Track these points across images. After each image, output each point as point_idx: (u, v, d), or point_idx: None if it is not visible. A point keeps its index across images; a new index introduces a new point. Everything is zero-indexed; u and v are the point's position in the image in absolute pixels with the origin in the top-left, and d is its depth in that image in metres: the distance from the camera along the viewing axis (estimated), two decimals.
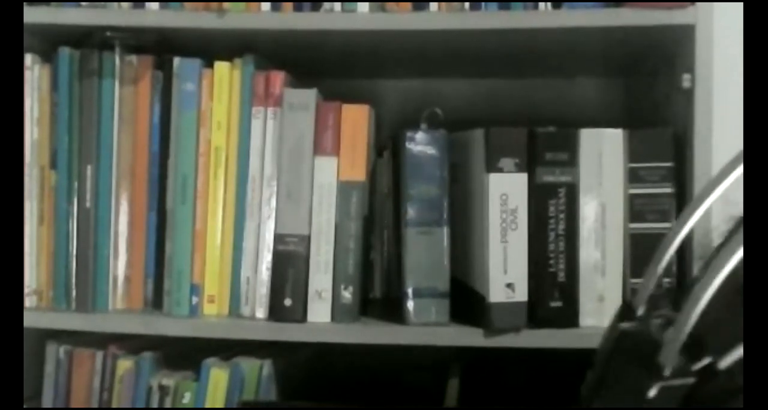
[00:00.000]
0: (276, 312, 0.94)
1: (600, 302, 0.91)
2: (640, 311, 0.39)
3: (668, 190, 0.90)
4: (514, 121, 0.93)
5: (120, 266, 0.98)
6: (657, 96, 1.06)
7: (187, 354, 1.02)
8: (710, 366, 0.31)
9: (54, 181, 0.97)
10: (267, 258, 0.94)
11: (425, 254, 0.93)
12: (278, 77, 0.95)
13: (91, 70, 0.97)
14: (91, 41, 0.97)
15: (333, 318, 0.93)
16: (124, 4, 0.95)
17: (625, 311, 0.40)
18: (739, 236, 0.29)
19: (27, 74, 0.97)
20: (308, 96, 0.94)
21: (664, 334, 0.35)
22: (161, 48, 0.98)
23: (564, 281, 0.90)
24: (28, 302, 0.97)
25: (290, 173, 0.94)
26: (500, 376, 1.09)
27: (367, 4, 0.93)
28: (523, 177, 0.89)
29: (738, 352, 0.31)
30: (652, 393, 0.32)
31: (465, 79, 1.26)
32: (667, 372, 0.33)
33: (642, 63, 1.12)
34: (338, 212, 0.94)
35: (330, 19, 0.93)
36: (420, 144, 0.93)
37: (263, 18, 0.94)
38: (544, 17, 0.92)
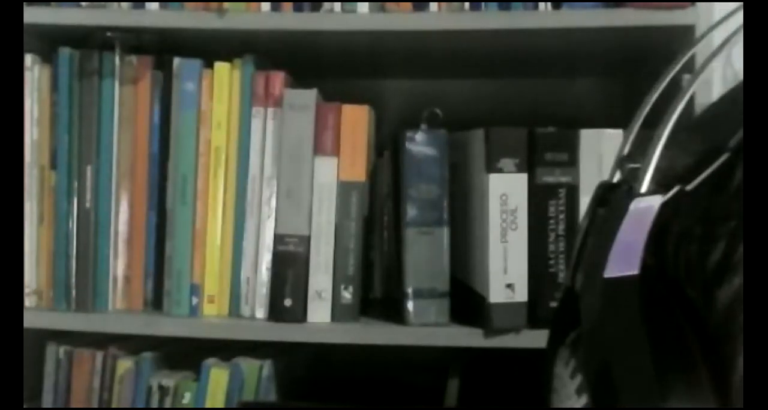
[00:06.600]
0: (276, 312, 0.94)
1: None
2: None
3: None
4: (514, 121, 0.93)
5: (120, 266, 0.98)
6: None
7: (187, 354, 1.02)
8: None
9: (54, 181, 0.97)
10: (267, 258, 0.94)
11: (425, 254, 0.93)
12: (278, 77, 0.95)
13: (91, 70, 0.97)
14: (91, 41, 0.97)
15: (333, 318, 0.93)
16: (124, 4, 0.95)
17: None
18: None
19: (27, 74, 0.97)
20: (308, 96, 0.94)
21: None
22: (161, 48, 0.98)
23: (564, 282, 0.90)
24: (28, 302, 0.97)
25: (290, 173, 0.94)
26: (500, 376, 1.09)
27: (367, 4, 0.93)
28: (523, 177, 0.89)
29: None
30: None
31: (465, 80, 1.26)
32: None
33: (642, 63, 1.12)
34: (338, 212, 0.94)
35: (330, 19, 0.93)
36: (420, 144, 0.93)
37: (263, 18, 0.94)
38: (544, 17, 0.92)
